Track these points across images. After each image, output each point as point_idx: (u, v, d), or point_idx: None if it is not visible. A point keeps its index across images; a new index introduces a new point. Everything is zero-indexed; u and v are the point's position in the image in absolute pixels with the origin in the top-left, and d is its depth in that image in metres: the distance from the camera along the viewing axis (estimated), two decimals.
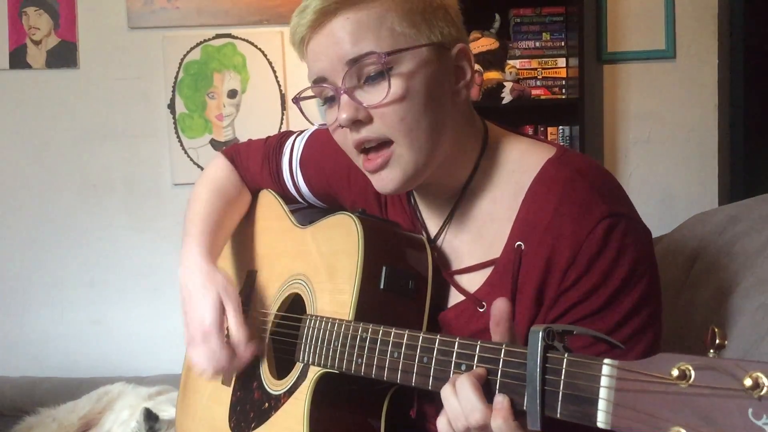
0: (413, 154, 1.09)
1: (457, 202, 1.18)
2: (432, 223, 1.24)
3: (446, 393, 0.89)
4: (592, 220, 1.02)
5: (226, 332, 1.32)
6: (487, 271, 1.12)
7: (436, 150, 1.10)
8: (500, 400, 0.84)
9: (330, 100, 1.12)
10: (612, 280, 1.01)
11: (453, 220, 1.20)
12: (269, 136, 1.56)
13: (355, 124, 1.09)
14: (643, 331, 1.02)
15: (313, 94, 1.16)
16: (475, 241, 1.16)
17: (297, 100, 1.20)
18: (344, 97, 1.08)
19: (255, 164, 1.53)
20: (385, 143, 1.09)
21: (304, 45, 1.12)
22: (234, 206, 1.52)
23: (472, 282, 1.14)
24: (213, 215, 1.46)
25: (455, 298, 1.16)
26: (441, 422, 0.90)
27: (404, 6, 1.06)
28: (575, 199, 1.04)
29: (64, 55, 3.19)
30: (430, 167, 1.12)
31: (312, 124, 1.27)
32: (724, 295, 1.32)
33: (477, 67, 3.07)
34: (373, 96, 1.06)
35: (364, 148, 1.11)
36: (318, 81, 1.12)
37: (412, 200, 1.27)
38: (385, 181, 1.12)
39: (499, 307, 0.89)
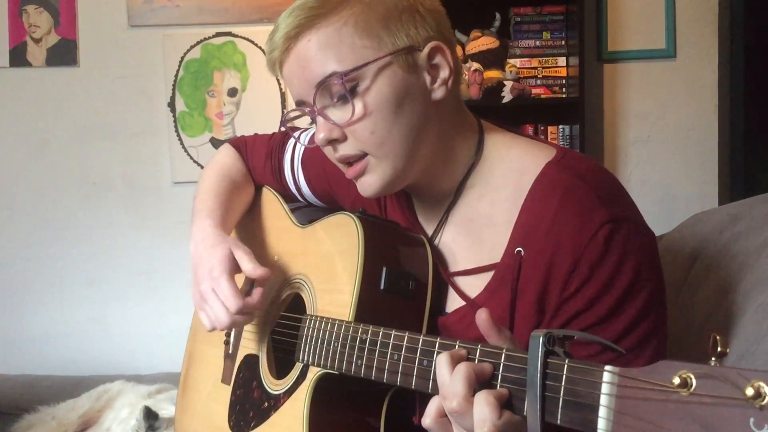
0: (389, 162, 1.10)
1: (452, 202, 1.18)
2: (428, 223, 1.23)
3: (442, 362, 0.88)
4: (593, 226, 1.00)
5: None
6: (486, 276, 1.11)
7: (415, 154, 1.11)
8: (503, 391, 0.83)
9: (313, 120, 1.15)
10: (615, 287, 1.00)
11: (448, 220, 1.19)
12: (275, 133, 1.57)
13: (332, 143, 1.11)
14: (649, 338, 1.01)
15: (299, 114, 1.19)
16: (474, 244, 1.15)
17: (285, 122, 1.23)
18: (319, 119, 1.11)
19: (258, 159, 1.53)
20: (363, 155, 1.11)
21: (280, 69, 1.14)
22: (241, 190, 1.52)
23: (472, 286, 1.13)
24: (222, 195, 1.46)
25: (454, 301, 1.16)
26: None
27: (362, 18, 1.07)
28: (575, 204, 1.03)
29: (64, 53, 3.18)
30: (413, 170, 1.13)
31: (302, 144, 1.31)
32: (724, 294, 1.32)
33: (477, 65, 3.07)
34: (343, 114, 1.08)
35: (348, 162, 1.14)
36: (298, 103, 1.15)
37: (410, 202, 1.27)
38: (365, 185, 1.14)
39: (482, 318, 0.89)
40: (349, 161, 1.13)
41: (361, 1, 1.08)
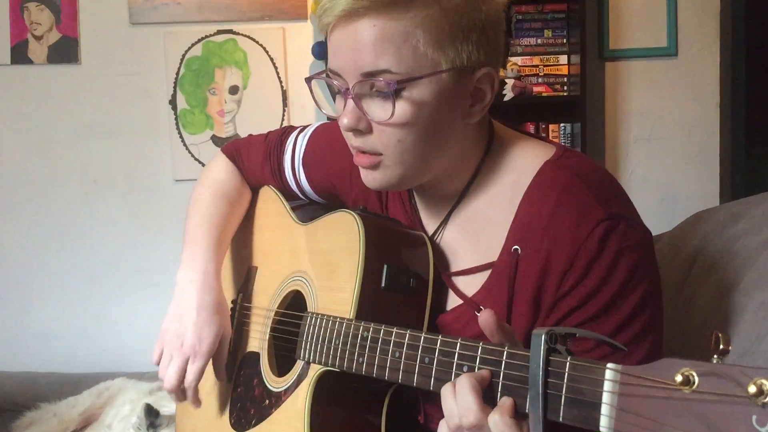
0: (401, 170, 1.09)
1: (456, 203, 1.18)
2: (430, 222, 1.23)
3: (446, 392, 0.88)
4: (590, 224, 1.01)
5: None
6: (484, 275, 1.11)
7: (428, 167, 1.10)
8: (504, 400, 0.83)
9: (340, 93, 1.10)
10: (610, 285, 1.00)
11: (450, 220, 1.19)
12: (269, 132, 1.55)
13: (354, 132, 1.08)
14: (643, 335, 1.01)
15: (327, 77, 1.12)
16: (472, 243, 1.15)
17: (309, 80, 1.17)
18: (350, 103, 1.06)
19: (256, 161, 1.52)
20: (378, 153, 1.09)
21: (328, 30, 1.08)
22: (236, 209, 1.52)
23: (470, 285, 1.13)
24: (218, 221, 1.45)
25: (453, 300, 1.16)
26: (441, 424, 0.90)
27: (435, 24, 1.00)
28: (572, 202, 1.03)
29: (65, 51, 3.19)
30: (421, 178, 1.13)
31: (319, 108, 1.26)
32: (724, 293, 1.32)
33: None
34: (379, 112, 1.04)
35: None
36: (333, 72, 1.09)
37: (413, 200, 1.26)
38: (369, 179, 1.13)
39: (486, 319, 0.88)
40: (363, 151, 1.11)
41: (438, 1, 1.01)
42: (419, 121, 1.04)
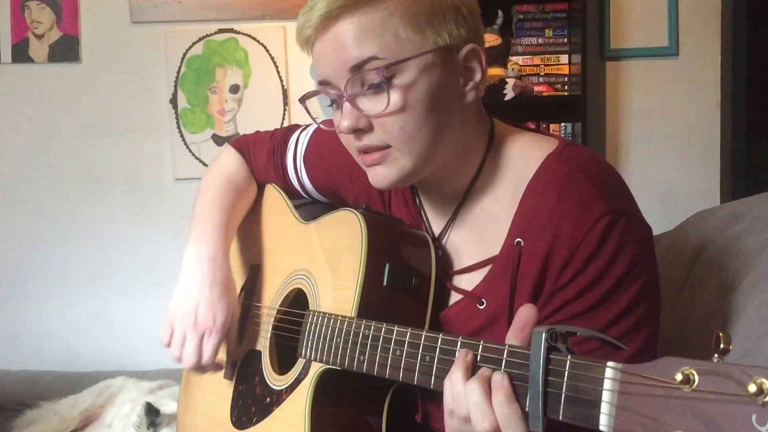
0: (411, 158, 1.08)
1: (462, 201, 1.18)
2: (436, 222, 1.23)
3: (456, 377, 0.88)
4: (592, 217, 1.01)
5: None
6: (486, 269, 1.11)
7: (435, 153, 1.10)
8: (498, 378, 0.83)
9: (335, 102, 1.12)
10: (608, 278, 1.00)
11: (457, 219, 1.19)
12: (276, 129, 1.57)
13: (357, 132, 1.09)
14: (637, 329, 1.01)
15: (319, 92, 1.14)
16: (476, 241, 1.15)
17: (303, 99, 1.20)
18: (346, 105, 1.07)
19: (261, 158, 1.53)
20: (386, 147, 1.09)
21: (310, 46, 1.10)
22: (243, 198, 1.53)
23: (472, 280, 1.13)
24: (226, 206, 1.46)
25: (455, 296, 1.16)
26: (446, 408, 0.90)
27: (410, 10, 1.04)
28: (575, 195, 1.03)
29: (66, 50, 3.18)
30: (429, 168, 1.12)
31: (316, 123, 1.27)
32: (725, 292, 1.32)
33: None
34: (375, 105, 1.05)
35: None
36: (323, 83, 1.11)
37: (417, 199, 1.26)
38: (379, 177, 1.11)
39: (528, 313, 0.87)
40: (370, 150, 1.10)
41: None
42: (415, 105, 1.05)
